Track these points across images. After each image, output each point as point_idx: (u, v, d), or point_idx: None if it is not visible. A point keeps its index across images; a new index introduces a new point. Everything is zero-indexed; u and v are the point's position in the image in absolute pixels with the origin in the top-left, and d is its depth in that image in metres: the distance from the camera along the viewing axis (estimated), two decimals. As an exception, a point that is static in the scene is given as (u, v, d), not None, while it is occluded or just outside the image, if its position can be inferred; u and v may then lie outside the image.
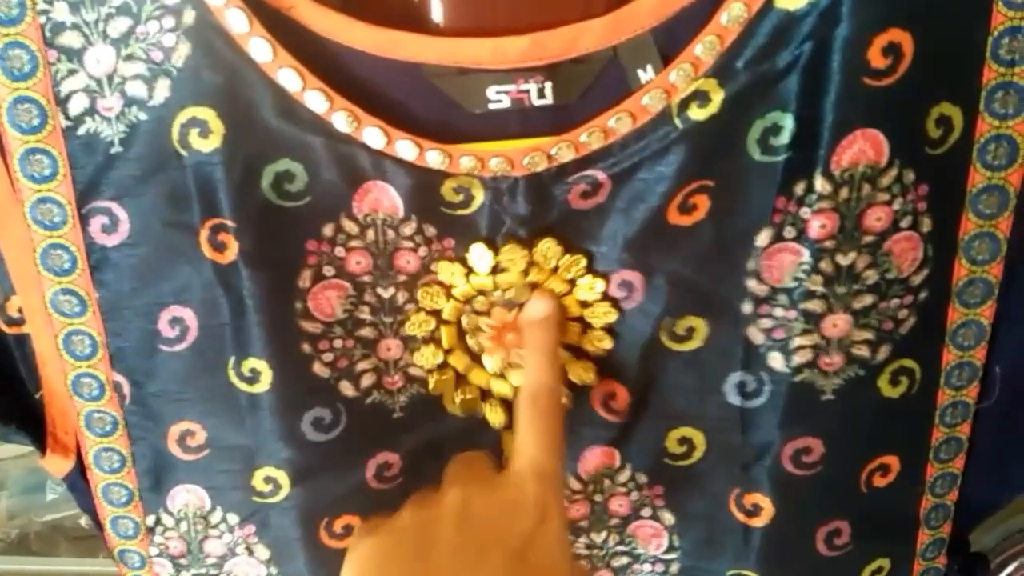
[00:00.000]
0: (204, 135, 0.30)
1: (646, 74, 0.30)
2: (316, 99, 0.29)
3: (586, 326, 0.34)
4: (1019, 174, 0.30)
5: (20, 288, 0.33)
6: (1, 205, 0.31)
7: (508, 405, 0.35)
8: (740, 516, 0.36)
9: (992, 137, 0.30)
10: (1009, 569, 0.43)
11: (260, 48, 0.29)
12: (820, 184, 0.30)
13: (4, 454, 0.51)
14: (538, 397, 0.31)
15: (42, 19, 0.29)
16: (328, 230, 0.31)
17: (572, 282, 0.33)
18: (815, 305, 0.32)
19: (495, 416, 0.35)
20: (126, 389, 0.34)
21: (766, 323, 0.33)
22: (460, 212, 0.31)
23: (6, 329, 0.34)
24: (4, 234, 0.32)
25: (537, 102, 0.31)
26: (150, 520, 0.37)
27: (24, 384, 0.35)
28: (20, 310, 0.33)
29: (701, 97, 0.29)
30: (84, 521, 0.55)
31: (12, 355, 0.35)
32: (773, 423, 0.34)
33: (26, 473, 0.54)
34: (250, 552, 0.37)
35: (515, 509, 0.28)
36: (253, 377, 0.33)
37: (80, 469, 0.36)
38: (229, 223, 0.31)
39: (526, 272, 0.32)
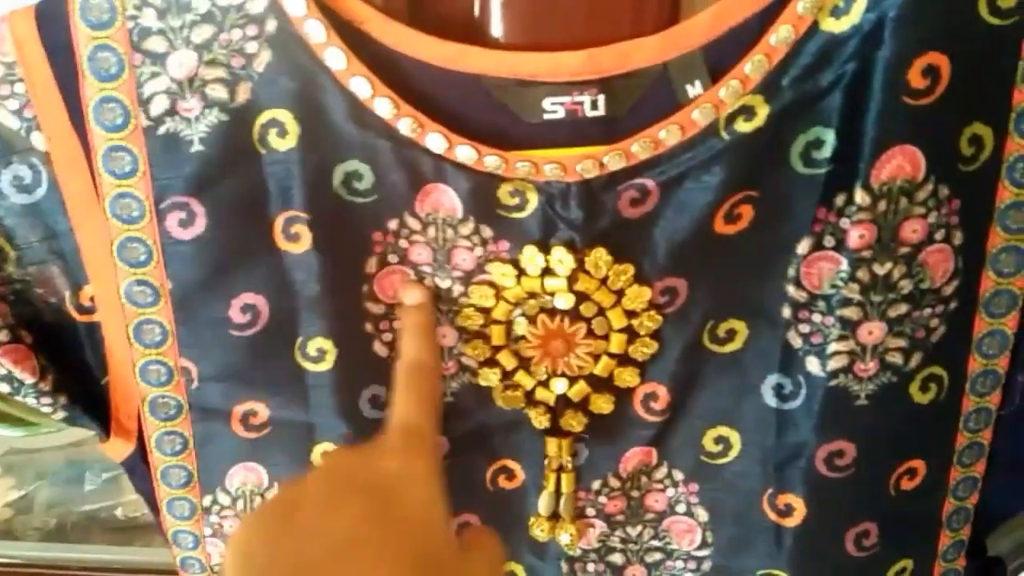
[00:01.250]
0: (282, 135, 0.32)
1: (694, 89, 0.32)
2: (384, 106, 0.31)
3: (632, 335, 0.35)
4: (1046, 192, 0.32)
5: (94, 278, 0.35)
6: (82, 200, 0.33)
7: (552, 411, 0.37)
8: (772, 516, 0.37)
9: (1020, 156, 0.32)
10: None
11: (335, 57, 0.31)
12: (860, 196, 0.32)
13: (45, 445, 0.53)
14: (413, 371, 0.33)
15: (130, 24, 0.31)
16: (392, 224, 0.33)
17: (619, 292, 0.34)
18: (851, 312, 0.33)
19: (538, 420, 0.37)
20: (193, 373, 0.36)
21: (804, 328, 0.34)
22: (515, 215, 0.33)
23: (78, 317, 0.36)
24: (83, 227, 0.34)
25: (590, 113, 0.32)
26: (207, 500, 0.39)
27: (91, 371, 0.37)
28: (92, 299, 0.35)
29: (747, 112, 0.31)
30: (120, 512, 0.57)
31: (82, 342, 0.36)
32: (808, 426, 0.35)
33: (66, 464, 0.55)
34: (302, 531, 0.39)
35: (379, 457, 0.28)
36: (319, 356, 0.35)
37: (139, 453, 0.38)
38: (303, 215, 0.33)
39: (574, 279, 0.34)
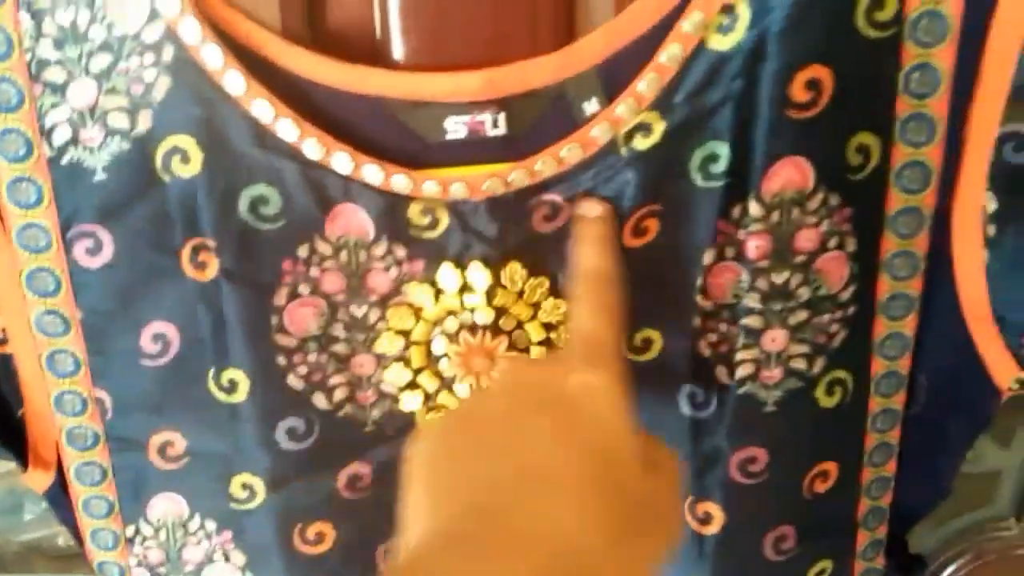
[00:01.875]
0: (185, 161, 0.32)
1: (591, 107, 0.32)
2: (287, 128, 0.32)
3: (552, 348, 0.36)
4: (933, 197, 0.33)
5: (5, 310, 0.35)
6: (-11, 232, 0.33)
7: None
8: (693, 524, 0.38)
9: (907, 163, 0.33)
10: (950, 569, 0.46)
11: (234, 82, 0.31)
12: (753, 208, 0.32)
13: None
14: (592, 280, 0.31)
15: (28, 56, 0.31)
16: (303, 251, 0.34)
17: (536, 306, 0.35)
18: (754, 321, 0.34)
19: None
20: (108, 404, 0.36)
21: (712, 337, 0.35)
22: (427, 235, 0.34)
23: (-9, 349, 0.36)
24: (-9, 258, 0.34)
25: (492, 132, 0.33)
26: (129, 531, 0.38)
27: (6, 402, 0.37)
28: (4, 330, 0.35)
29: (645, 129, 0.32)
30: (61, 540, 0.56)
31: (-3, 374, 0.36)
32: (721, 433, 0.36)
33: (4, 493, 0.55)
34: (227, 558, 0.39)
35: (562, 369, 0.28)
36: (231, 387, 0.35)
37: (61, 483, 0.38)
38: (210, 243, 0.33)
39: (492, 294, 0.34)
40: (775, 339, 0.34)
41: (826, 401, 0.36)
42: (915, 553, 0.42)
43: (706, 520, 0.37)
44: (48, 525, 0.55)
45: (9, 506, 0.55)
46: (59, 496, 0.38)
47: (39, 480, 0.38)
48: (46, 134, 0.32)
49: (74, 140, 0.32)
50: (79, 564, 0.55)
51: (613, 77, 0.32)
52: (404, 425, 0.37)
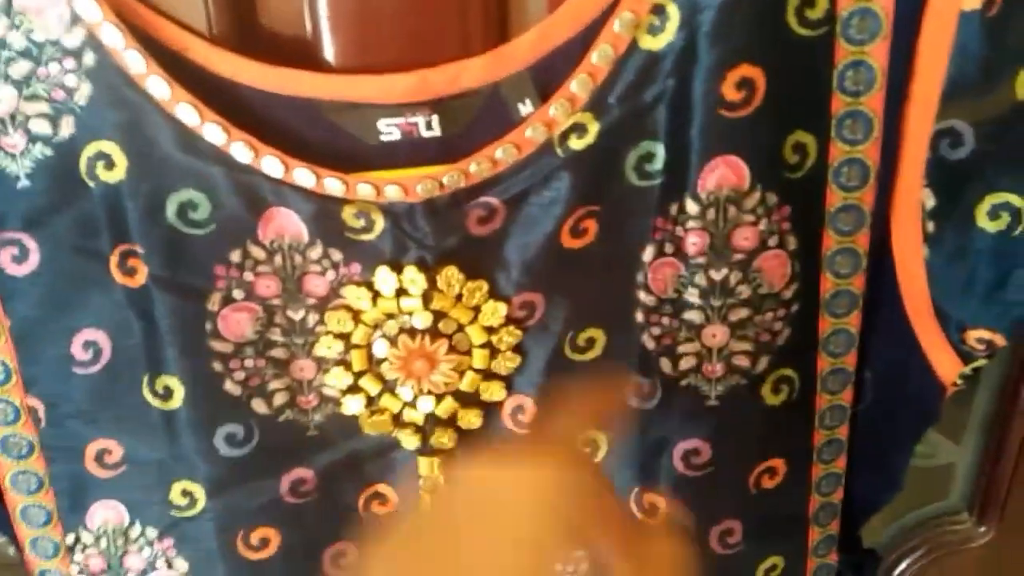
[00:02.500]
0: (109, 167, 0.31)
1: (525, 107, 0.32)
2: (214, 132, 0.31)
3: (494, 350, 0.35)
4: (872, 194, 0.33)
5: (-68, 316, 0.34)
6: (-88, 240, 0.33)
7: (421, 430, 0.37)
8: (639, 515, 0.38)
9: (845, 161, 0.33)
10: (904, 564, 0.46)
11: (158, 86, 0.30)
12: (690, 205, 0.32)
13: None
14: None
15: (-55, 59, 0.30)
16: (235, 255, 0.33)
17: (476, 309, 0.35)
18: (694, 316, 0.34)
19: (409, 441, 0.37)
20: (41, 412, 0.35)
21: (656, 330, 0.35)
22: (363, 237, 0.33)
23: (-80, 359, 0.35)
24: (-85, 266, 0.33)
25: (425, 134, 0.33)
26: (70, 539, 0.38)
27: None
28: (-68, 339, 0.35)
29: (579, 129, 0.32)
30: (12, 551, 0.55)
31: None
32: (666, 424, 0.36)
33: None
34: (169, 565, 0.38)
35: (514, 468, 0.25)
36: (166, 394, 0.34)
37: (-3, 494, 0.38)
38: (138, 249, 0.32)
39: (428, 298, 0.34)
40: (715, 335, 0.34)
41: (772, 399, 0.36)
42: (868, 548, 0.42)
43: (651, 510, 0.37)
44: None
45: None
46: (-6, 507, 0.38)
47: (-26, 492, 0.37)
48: (-34, 141, 0.31)
49: (-5, 147, 0.31)
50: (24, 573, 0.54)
51: (546, 77, 0.32)
52: (347, 428, 0.37)
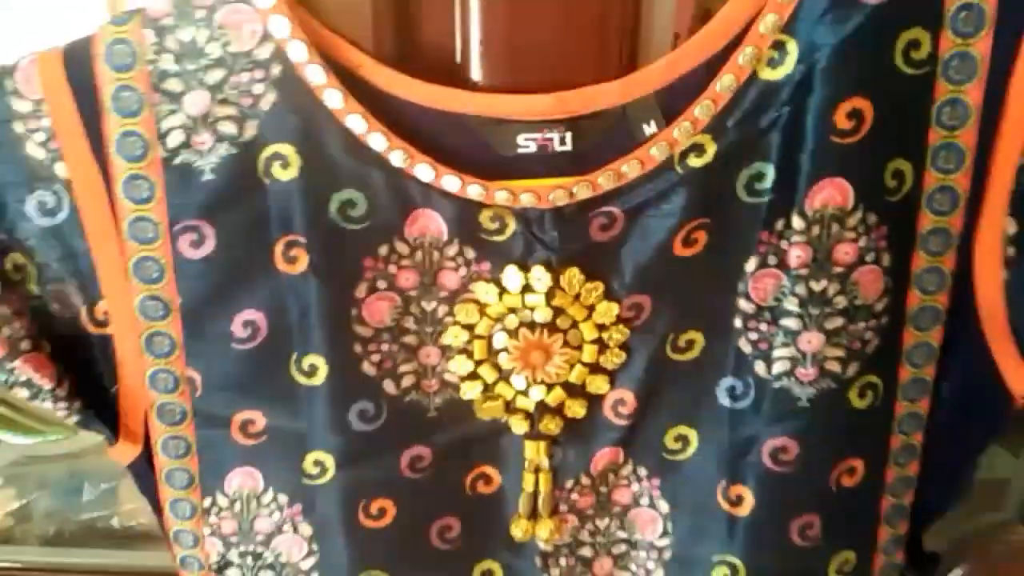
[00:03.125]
0: (284, 167, 0.35)
1: (650, 128, 0.36)
2: (378, 140, 0.35)
3: (603, 346, 0.39)
4: (960, 219, 0.36)
5: (108, 295, 0.38)
6: (99, 223, 0.37)
7: (530, 417, 0.40)
8: (726, 506, 0.41)
9: (937, 188, 0.36)
10: (959, 570, 0.49)
11: (333, 97, 0.35)
12: (796, 222, 0.36)
13: (51, 452, 0.56)
14: None
15: (150, 67, 0.35)
16: (383, 250, 0.37)
17: (591, 308, 0.38)
18: (792, 323, 0.37)
19: (518, 426, 0.40)
20: (198, 383, 0.39)
21: (753, 336, 0.38)
22: (496, 238, 0.37)
23: (92, 330, 0.39)
24: (99, 248, 0.37)
25: (559, 148, 0.36)
26: (207, 502, 0.42)
27: (101, 380, 0.40)
28: (105, 313, 0.39)
29: (698, 149, 0.35)
30: (116, 521, 0.59)
31: (94, 353, 0.39)
32: (756, 423, 0.39)
33: (66, 475, 0.58)
34: (295, 529, 0.42)
35: None
36: (311, 371, 0.38)
37: (145, 457, 0.41)
38: (301, 240, 0.36)
39: (551, 295, 0.38)
40: (811, 341, 0.38)
41: (858, 403, 0.39)
42: (930, 551, 0.45)
43: (738, 503, 0.41)
44: (105, 506, 0.59)
45: (70, 487, 0.58)
46: (142, 468, 0.42)
47: (125, 452, 0.41)
48: (161, 137, 0.35)
49: (186, 144, 0.35)
50: (133, 544, 0.58)
51: (670, 102, 0.35)
52: (463, 412, 0.40)
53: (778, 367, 0.38)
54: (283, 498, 0.41)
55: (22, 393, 0.38)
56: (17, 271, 0.38)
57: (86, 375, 0.40)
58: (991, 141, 0.35)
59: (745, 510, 0.41)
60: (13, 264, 0.37)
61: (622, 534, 0.43)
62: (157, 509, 0.43)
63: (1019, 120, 0.35)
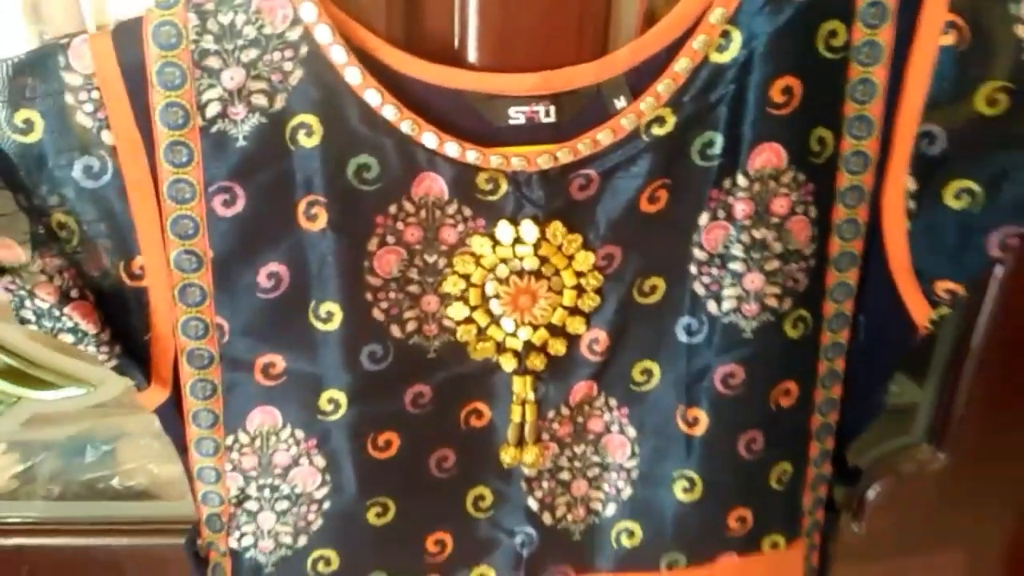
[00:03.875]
0: (308, 135, 0.41)
1: (620, 103, 0.43)
2: (390, 111, 0.41)
3: (581, 291, 0.46)
4: (871, 177, 0.45)
5: (145, 250, 0.42)
6: (139, 186, 0.41)
7: (518, 355, 0.46)
8: (684, 428, 0.48)
9: (852, 152, 0.44)
10: (876, 485, 0.57)
11: (353, 75, 0.40)
12: (741, 180, 0.43)
13: (49, 418, 0.59)
14: None
15: (192, 46, 0.40)
16: (392, 208, 0.43)
17: (571, 257, 0.45)
18: (738, 266, 0.45)
19: (508, 364, 0.47)
20: (226, 329, 0.44)
21: (706, 279, 0.46)
22: (490, 198, 0.43)
23: (128, 283, 0.43)
24: (138, 208, 0.42)
25: (544, 120, 0.43)
26: (229, 440, 0.46)
27: (134, 329, 0.44)
28: (142, 268, 0.43)
29: (660, 120, 0.42)
30: (116, 481, 0.62)
31: (129, 304, 0.44)
32: (708, 354, 0.46)
33: (68, 439, 0.61)
34: (310, 462, 0.47)
35: None
36: (327, 318, 0.44)
37: (172, 400, 0.46)
38: (321, 199, 0.42)
39: (538, 245, 0.44)
40: (753, 281, 0.45)
41: (792, 333, 0.47)
42: (853, 466, 0.54)
43: (694, 424, 0.48)
44: (106, 467, 0.62)
45: (73, 449, 0.62)
46: (169, 411, 0.46)
47: (155, 396, 0.46)
48: (200, 108, 0.40)
49: (223, 114, 0.40)
50: (131, 500, 0.62)
51: (637, 81, 0.42)
52: (458, 353, 0.46)
53: (727, 305, 0.46)
54: (300, 433, 0.46)
55: (68, 339, 0.42)
56: (62, 228, 0.42)
57: (120, 325, 0.44)
58: (894, 113, 0.43)
59: (700, 430, 0.48)
60: (59, 222, 0.42)
61: (596, 458, 0.50)
62: (182, 449, 0.47)
63: (916, 96, 0.43)
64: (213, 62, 0.40)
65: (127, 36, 0.40)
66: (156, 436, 0.59)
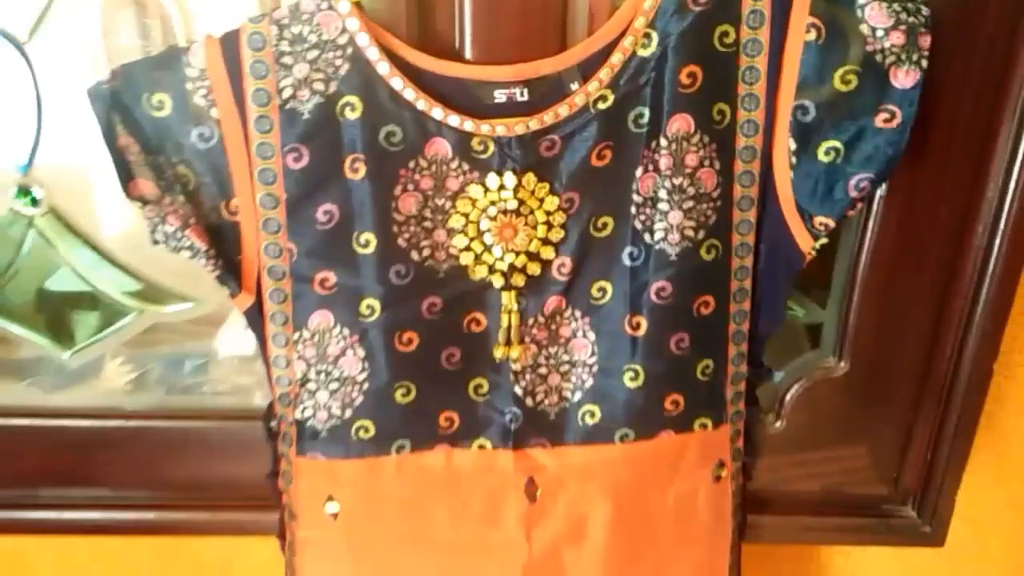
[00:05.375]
0: (352, 110, 0.58)
1: (574, 85, 0.59)
2: (409, 93, 0.58)
3: (550, 226, 0.62)
4: (761, 139, 0.60)
5: (239, 193, 0.60)
6: (237, 147, 0.59)
7: (505, 275, 0.63)
8: (629, 331, 0.64)
9: (745, 120, 0.60)
10: (792, 390, 0.73)
11: (384, 67, 0.57)
12: (663, 142, 0.59)
13: (156, 338, 0.77)
14: None
15: (273, 49, 0.57)
16: (411, 164, 0.60)
17: (542, 199, 0.61)
18: (663, 206, 0.61)
19: (497, 282, 0.63)
20: (294, 252, 0.62)
21: (642, 217, 0.62)
22: (482, 156, 0.60)
23: (227, 218, 0.61)
24: (235, 163, 0.59)
25: (519, 99, 0.59)
26: (296, 335, 0.64)
27: (231, 251, 0.62)
28: (236, 206, 0.61)
29: (603, 98, 0.59)
30: (207, 387, 0.80)
31: (227, 234, 0.61)
32: (646, 273, 0.63)
33: (170, 353, 0.78)
34: (354, 353, 0.64)
35: None
36: (365, 244, 0.61)
37: (256, 305, 0.63)
38: (361, 157, 0.59)
39: (517, 191, 0.61)
40: (676, 218, 0.61)
41: (706, 256, 0.63)
42: (766, 365, 0.69)
43: (637, 328, 0.64)
44: (200, 376, 0.80)
45: (174, 363, 0.80)
46: (254, 313, 0.63)
47: (244, 301, 0.63)
48: (278, 92, 0.58)
49: (293, 96, 0.58)
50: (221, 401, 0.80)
51: (586, 70, 0.59)
52: (461, 274, 0.63)
53: (657, 236, 0.62)
54: (346, 331, 0.64)
55: (186, 255, 0.60)
56: (182, 177, 0.60)
57: (221, 248, 0.62)
58: (775, 92, 0.59)
59: (642, 332, 0.64)
60: (180, 173, 0.59)
61: (566, 357, 0.67)
62: (263, 342, 0.65)
63: (790, 78, 0.59)
64: (287, 60, 0.57)
65: (229, 41, 0.57)
66: (238, 356, 0.77)
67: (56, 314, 0.73)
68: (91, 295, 0.71)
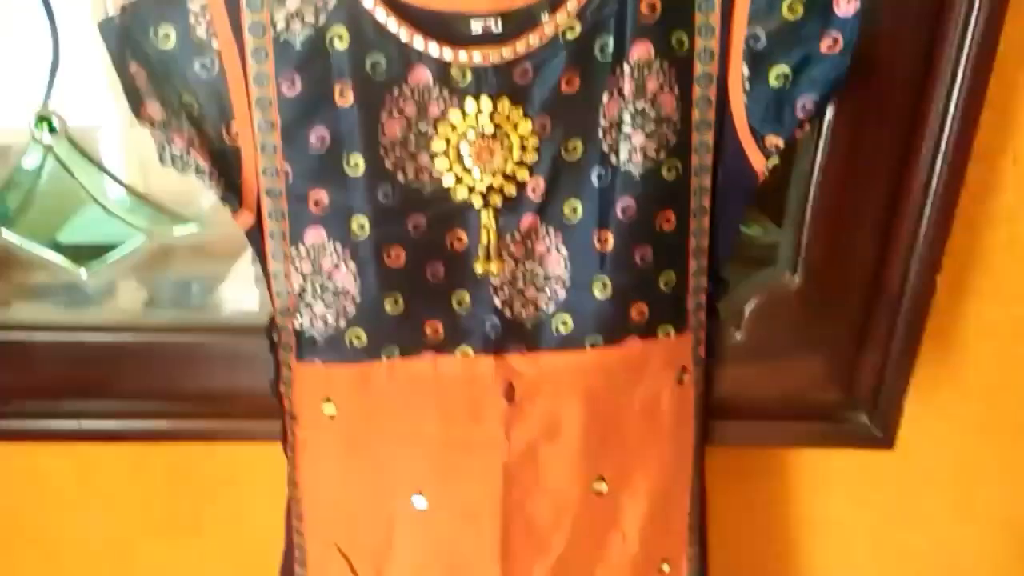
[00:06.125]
0: (341, 42, 0.63)
1: (544, 17, 0.64)
2: (392, 24, 0.63)
3: (524, 149, 0.68)
4: (716, 66, 0.66)
5: (238, 118, 0.66)
6: (235, 76, 0.64)
7: (484, 196, 0.69)
8: (598, 246, 0.70)
9: (702, 49, 0.65)
10: (751, 302, 0.79)
11: (368, 1, 0.63)
12: (626, 69, 0.65)
13: (167, 263, 0.83)
14: None
15: (267, -16, 0.63)
16: (395, 91, 0.65)
17: (516, 124, 0.67)
18: (627, 129, 0.67)
19: (477, 201, 0.69)
20: (290, 173, 0.67)
21: (609, 140, 0.67)
22: (460, 84, 0.65)
23: (228, 142, 0.67)
24: (235, 91, 0.65)
25: (495, 31, 0.64)
26: (293, 250, 0.70)
27: (232, 172, 0.68)
28: (237, 132, 0.67)
29: (572, 29, 0.64)
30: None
31: (229, 157, 0.67)
32: (612, 193, 0.68)
33: (178, 275, 0.85)
34: (347, 267, 0.70)
35: None
36: (355, 166, 0.67)
37: (257, 223, 0.70)
38: (349, 84, 0.64)
39: (493, 115, 0.66)
40: (639, 139, 0.67)
41: (668, 176, 0.69)
42: (724, 278, 0.75)
43: (604, 242, 0.70)
44: (207, 298, 0.87)
45: (183, 286, 0.86)
46: (255, 231, 0.70)
47: (245, 218, 0.69)
48: (273, 25, 0.63)
49: (287, 28, 0.63)
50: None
51: (555, 2, 0.64)
52: (443, 194, 0.69)
53: (623, 157, 0.68)
54: (339, 246, 0.70)
55: (191, 174, 0.66)
56: (187, 104, 0.65)
57: (223, 168, 0.67)
58: (728, 22, 0.65)
59: (609, 247, 0.70)
60: (184, 100, 0.65)
61: (540, 271, 0.73)
62: (262, 257, 0.71)
63: (742, 9, 0.64)
64: (280, -6, 0.63)
65: (227, -22, 0.63)
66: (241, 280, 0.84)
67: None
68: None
